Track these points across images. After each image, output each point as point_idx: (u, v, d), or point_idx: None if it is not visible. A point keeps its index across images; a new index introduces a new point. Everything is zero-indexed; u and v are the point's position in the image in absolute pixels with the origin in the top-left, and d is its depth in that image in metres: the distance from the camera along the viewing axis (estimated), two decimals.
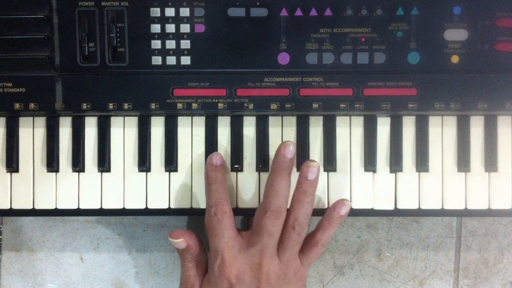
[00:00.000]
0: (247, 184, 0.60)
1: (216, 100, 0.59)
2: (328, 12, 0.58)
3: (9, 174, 0.60)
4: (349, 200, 0.59)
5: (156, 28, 0.58)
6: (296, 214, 0.56)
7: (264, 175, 0.60)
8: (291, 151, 0.57)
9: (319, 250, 0.58)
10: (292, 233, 0.56)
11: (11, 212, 0.60)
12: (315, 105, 0.59)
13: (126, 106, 0.59)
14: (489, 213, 0.60)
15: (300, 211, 0.56)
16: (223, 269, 0.55)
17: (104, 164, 0.60)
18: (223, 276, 0.55)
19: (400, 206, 0.60)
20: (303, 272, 0.58)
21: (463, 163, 0.59)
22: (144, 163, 0.60)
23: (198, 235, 0.58)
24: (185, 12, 0.58)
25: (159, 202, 0.60)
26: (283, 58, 0.58)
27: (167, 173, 0.60)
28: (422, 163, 0.59)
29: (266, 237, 0.55)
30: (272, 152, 0.60)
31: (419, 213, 0.60)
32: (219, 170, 0.58)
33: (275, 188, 0.56)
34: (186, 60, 0.58)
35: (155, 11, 0.58)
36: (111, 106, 0.59)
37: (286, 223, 0.56)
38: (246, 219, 0.66)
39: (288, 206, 0.57)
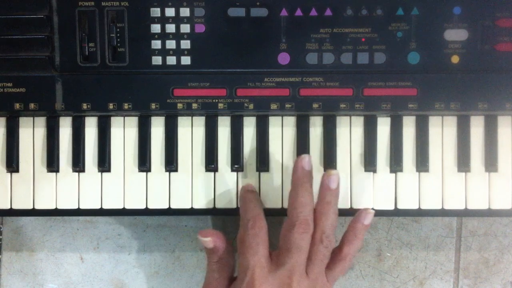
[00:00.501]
0: None
1: (216, 100, 0.59)
2: (328, 12, 0.58)
3: (9, 174, 0.60)
4: (372, 208, 0.58)
5: (156, 28, 0.58)
6: (322, 226, 0.55)
7: (264, 175, 0.60)
8: (308, 162, 0.56)
9: (346, 264, 0.56)
10: (320, 246, 0.54)
11: (11, 212, 0.60)
12: (315, 105, 0.59)
13: (126, 106, 0.59)
14: (489, 213, 0.60)
15: (326, 223, 0.55)
16: None
17: (104, 164, 0.60)
18: None
19: (400, 206, 0.60)
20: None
21: (463, 163, 0.59)
22: (144, 163, 0.60)
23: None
24: (185, 12, 0.58)
25: (159, 202, 0.60)
26: (283, 58, 0.58)
27: (167, 173, 0.60)
28: (422, 163, 0.59)
29: (295, 253, 0.53)
30: (272, 152, 0.60)
31: (419, 213, 0.60)
32: (254, 192, 0.58)
33: (299, 200, 0.55)
34: (186, 60, 0.58)
35: (155, 11, 0.58)
36: (111, 106, 0.59)
37: (313, 238, 0.55)
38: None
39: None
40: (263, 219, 0.56)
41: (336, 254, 0.56)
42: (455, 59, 0.58)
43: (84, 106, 0.59)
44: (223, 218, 0.65)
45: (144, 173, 0.60)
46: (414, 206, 0.60)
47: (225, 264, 0.57)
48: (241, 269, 0.55)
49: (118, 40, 0.58)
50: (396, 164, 0.59)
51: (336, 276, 0.57)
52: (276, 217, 0.60)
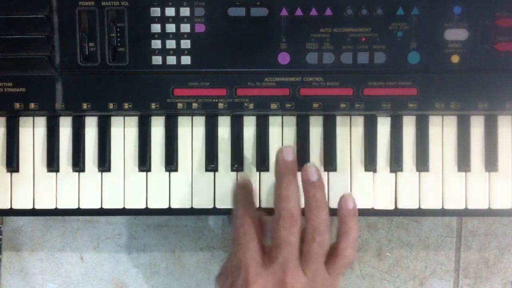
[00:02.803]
0: None
1: (216, 100, 0.59)
2: (328, 12, 0.58)
3: (9, 174, 0.60)
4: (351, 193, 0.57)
5: (156, 28, 0.58)
6: (313, 223, 0.53)
7: (264, 175, 0.60)
8: (290, 153, 0.55)
9: (346, 259, 0.54)
10: (313, 245, 0.53)
11: (11, 212, 0.60)
12: (315, 105, 0.59)
13: (126, 106, 0.59)
14: (489, 213, 0.60)
15: (316, 218, 0.53)
16: (247, 286, 0.52)
17: (104, 164, 0.60)
18: None
19: (400, 206, 0.60)
20: (332, 282, 0.54)
21: (463, 162, 0.59)
22: (144, 163, 0.60)
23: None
24: (185, 12, 0.58)
25: (159, 202, 0.60)
26: (283, 58, 0.58)
27: (167, 173, 0.60)
28: (422, 162, 0.59)
29: (284, 248, 0.52)
30: (272, 152, 0.60)
31: (420, 213, 0.60)
32: (246, 187, 0.57)
33: (283, 194, 0.53)
34: (186, 60, 0.58)
35: (155, 11, 0.58)
36: (111, 106, 0.59)
37: (306, 236, 0.53)
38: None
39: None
40: (253, 214, 0.54)
41: (334, 249, 0.54)
42: (455, 58, 0.58)
43: (84, 106, 0.59)
44: (223, 218, 0.65)
45: (144, 173, 0.60)
46: (414, 205, 0.60)
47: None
48: (234, 264, 0.54)
49: (118, 40, 0.58)
50: (396, 164, 0.59)
51: (338, 270, 0.54)
52: None
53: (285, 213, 0.53)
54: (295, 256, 0.53)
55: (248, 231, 0.54)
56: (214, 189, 0.60)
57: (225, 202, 0.60)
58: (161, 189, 0.60)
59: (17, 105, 0.59)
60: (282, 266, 0.52)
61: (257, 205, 0.60)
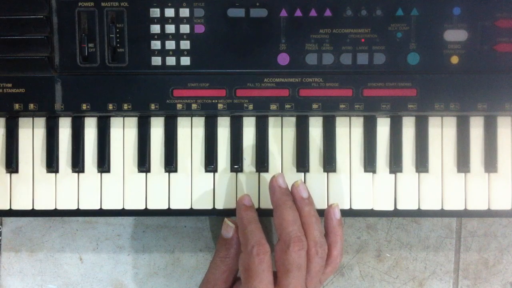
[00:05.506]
0: (247, 185, 0.60)
1: (216, 101, 0.59)
2: (327, 13, 0.58)
3: (8, 174, 0.60)
4: (337, 202, 0.59)
5: (155, 28, 0.58)
6: (313, 237, 0.55)
7: (264, 176, 0.60)
8: (282, 181, 0.57)
9: (337, 266, 0.57)
10: (316, 258, 0.54)
11: (11, 213, 0.60)
12: (314, 106, 0.59)
13: (125, 106, 0.59)
14: (488, 213, 0.60)
15: (314, 232, 0.55)
16: None
17: (103, 164, 0.60)
18: None
19: (400, 206, 0.60)
20: None
21: (462, 163, 0.59)
22: (143, 164, 0.60)
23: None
24: (184, 12, 0.58)
25: (158, 202, 0.60)
26: (283, 59, 0.58)
27: (167, 173, 0.60)
28: (421, 163, 0.59)
29: (296, 272, 0.53)
30: (271, 152, 0.60)
31: (419, 213, 0.60)
32: (251, 209, 0.57)
33: (287, 219, 0.55)
34: (185, 60, 0.58)
35: (155, 12, 0.58)
36: (110, 106, 0.59)
37: (308, 252, 0.54)
38: None
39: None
40: (266, 242, 0.55)
41: (327, 257, 0.56)
42: (454, 59, 0.58)
43: (84, 106, 0.59)
44: (222, 219, 0.65)
45: (144, 174, 0.60)
46: (413, 206, 0.60)
47: (231, 266, 0.57)
48: None
49: (118, 40, 0.58)
50: (395, 165, 0.59)
51: (328, 277, 0.58)
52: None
53: (294, 236, 0.54)
54: (304, 278, 0.54)
55: (264, 260, 0.54)
56: (214, 190, 0.60)
57: (224, 203, 0.60)
58: (160, 190, 0.60)
59: (17, 106, 0.59)
60: None
61: (257, 206, 0.60)
